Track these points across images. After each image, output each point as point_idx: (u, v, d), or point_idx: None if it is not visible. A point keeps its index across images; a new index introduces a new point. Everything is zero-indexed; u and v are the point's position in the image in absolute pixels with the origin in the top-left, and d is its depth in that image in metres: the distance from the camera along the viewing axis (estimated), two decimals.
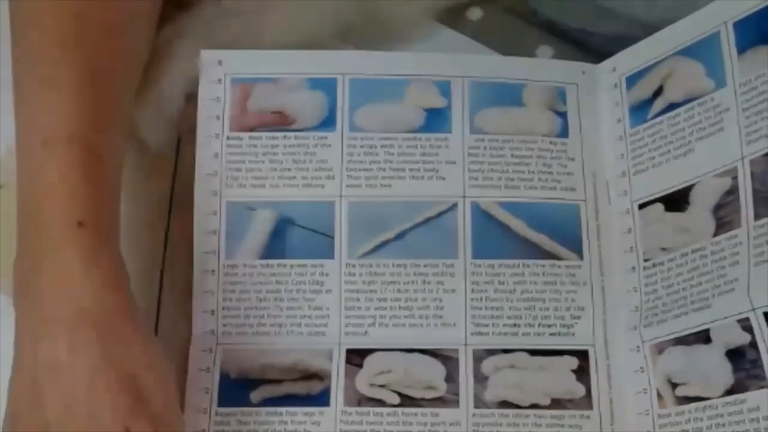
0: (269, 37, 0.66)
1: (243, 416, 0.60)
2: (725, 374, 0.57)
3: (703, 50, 0.62)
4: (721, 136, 0.61)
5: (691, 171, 0.61)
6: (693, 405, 0.58)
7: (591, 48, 0.69)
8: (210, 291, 0.62)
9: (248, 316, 0.62)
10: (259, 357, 0.61)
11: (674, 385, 0.59)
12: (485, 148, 0.64)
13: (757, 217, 0.58)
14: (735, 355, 0.57)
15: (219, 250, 0.63)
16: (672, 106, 0.63)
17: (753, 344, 0.56)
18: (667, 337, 0.59)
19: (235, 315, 0.62)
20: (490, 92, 0.65)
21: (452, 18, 0.69)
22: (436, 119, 0.65)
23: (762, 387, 0.55)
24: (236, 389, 0.60)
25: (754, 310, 0.57)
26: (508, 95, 0.65)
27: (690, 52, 0.63)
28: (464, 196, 0.63)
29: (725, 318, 0.57)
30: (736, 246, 0.58)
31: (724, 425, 0.56)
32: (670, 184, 0.62)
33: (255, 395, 0.60)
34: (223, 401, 0.60)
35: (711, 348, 0.58)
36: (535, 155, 0.64)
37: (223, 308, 0.62)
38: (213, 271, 0.62)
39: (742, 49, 0.61)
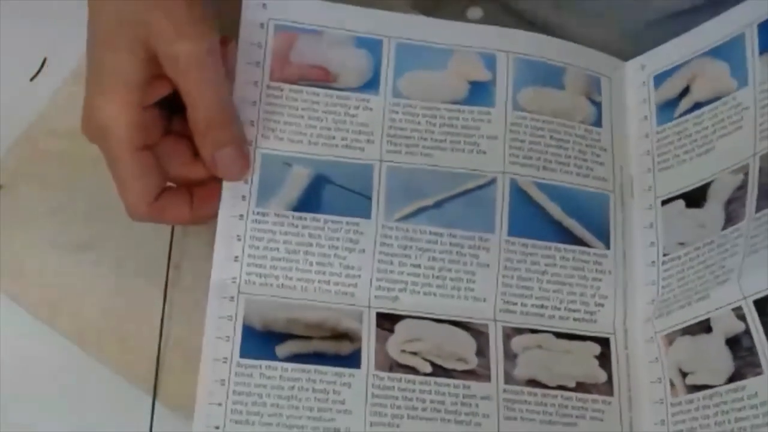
0: None
1: (267, 370, 0.57)
2: (727, 362, 0.58)
3: (729, 51, 0.64)
4: (740, 134, 0.62)
5: (711, 168, 0.62)
6: (701, 393, 0.58)
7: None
8: (236, 236, 0.60)
9: (275, 267, 0.59)
10: (285, 311, 0.59)
11: (684, 374, 0.59)
12: (526, 127, 0.64)
13: (758, 209, 0.59)
14: (733, 343, 0.58)
15: (249, 197, 0.60)
16: (697, 106, 0.64)
17: (747, 332, 0.57)
18: (675, 327, 0.60)
19: (261, 264, 0.59)
20: (534, 71, 0.65)
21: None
22: (479, 92, 0.64)
23: (758, 374, 0.56)
24: (261, 342, 0.58)
25: (745, 298, 0.57)
26: (551, 76, 0.65)
27: (716, 53, 0.64)
28: (504, 172, 0.63)
29: (722, 307, 0.58)
30: (737, 238, 0.59)
31: (727, 412, 0.57)
32: (692, 181, 0.63)
33: (281, 350, 0.58)
34: (246, 352, 0.58)
35: (712, 337, 0.59)
36: (573, 140, 0.64)
37: (248, 256, 0.59)
38: (241, 216, 0.60)
39: (763, 49, 0.62)
